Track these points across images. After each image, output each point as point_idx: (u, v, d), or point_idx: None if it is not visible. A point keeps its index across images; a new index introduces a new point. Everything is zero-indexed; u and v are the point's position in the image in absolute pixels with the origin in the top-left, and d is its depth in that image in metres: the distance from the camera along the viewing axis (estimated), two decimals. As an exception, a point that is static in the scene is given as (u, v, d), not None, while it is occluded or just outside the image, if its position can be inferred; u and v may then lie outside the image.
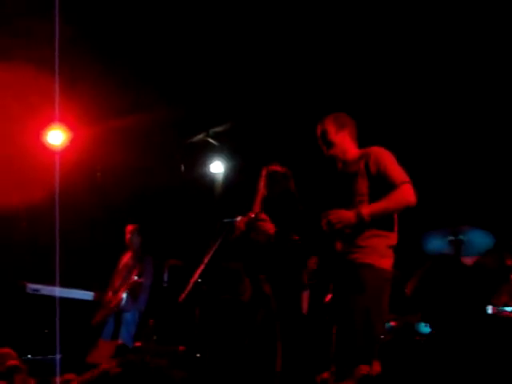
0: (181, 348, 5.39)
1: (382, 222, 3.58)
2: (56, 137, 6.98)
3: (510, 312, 4.87)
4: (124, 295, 6.26)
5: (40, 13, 5.46)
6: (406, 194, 3.54)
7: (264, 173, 4.45)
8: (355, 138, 3.89)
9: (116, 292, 6.38)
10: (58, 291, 6.27)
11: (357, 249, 3.61)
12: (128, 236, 6.66)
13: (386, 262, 3.61)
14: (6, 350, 4.21)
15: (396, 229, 3.70)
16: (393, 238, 3.67)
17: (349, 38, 6.12)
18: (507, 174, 6.05)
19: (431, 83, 6.21)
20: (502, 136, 6.10)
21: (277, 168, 4.44)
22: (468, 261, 5.43)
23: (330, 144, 3.83)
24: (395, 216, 3.68)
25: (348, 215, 3.52)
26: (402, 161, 3.71)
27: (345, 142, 3.84)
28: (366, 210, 3.52)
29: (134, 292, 6.27)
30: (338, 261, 3.71)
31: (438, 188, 6.09)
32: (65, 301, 6.43)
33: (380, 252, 3.59)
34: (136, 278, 6.25)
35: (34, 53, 5.86)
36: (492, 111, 6.13)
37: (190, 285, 5.14)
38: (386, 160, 3.65)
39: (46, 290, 6.46)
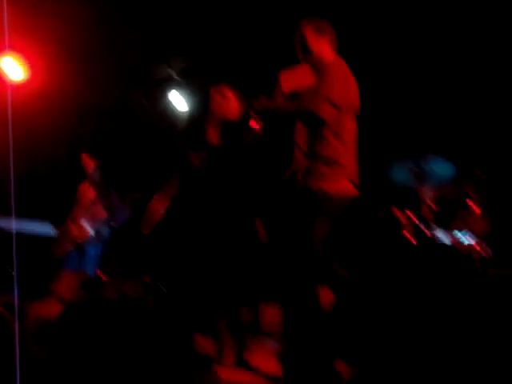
0: (146, 279, 5.36)
1: None
2: (11, 67, 6.72)
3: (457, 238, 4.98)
4: (91, 231, 6.20)
5: None
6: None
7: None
8: (335, 48, 3.65)
9: (79, 225, 6.29)
10: (15, 224, 6.14)
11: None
12: (89, 169, 6.54)
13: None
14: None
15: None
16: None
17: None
18: (472, 104, 6.08)
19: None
20: (465, 66, 6.09)
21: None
22: (430, 193, 5.48)
23: (307, 51, 3.61)
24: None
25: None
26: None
27: (323, 51, 3.61)
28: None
29: (98, 230, 6.23)
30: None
31: (403, 116, 6.09)
32: (23, 235, 6.33)
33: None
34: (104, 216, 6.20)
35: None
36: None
37: (153, 216, 5.11)
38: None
39: (2, 222, 6.33)
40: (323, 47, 3.58)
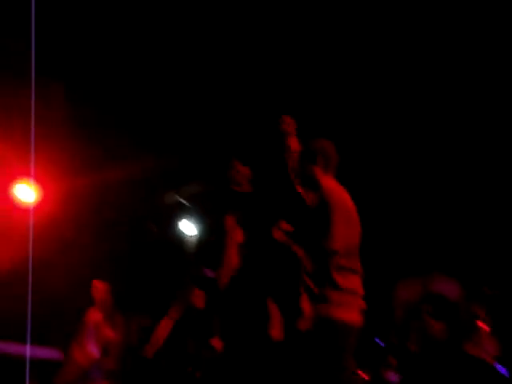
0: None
1: None
2: (26, 193, 6.94)
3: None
4: (97, 353, 6.10)
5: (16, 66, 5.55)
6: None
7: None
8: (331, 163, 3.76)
9: (83, 347, 6.21)
10: (29, 350, 6.12)
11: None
12: (98, 294, 6.56)
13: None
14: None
15: None
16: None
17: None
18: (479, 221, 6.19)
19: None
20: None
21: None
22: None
23: (314, 186, 3.76)
24: None
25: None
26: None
27: (330, 186, 3.65)
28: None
29: (106, 349, 6.13)
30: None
31: (408, 234, 6.19)
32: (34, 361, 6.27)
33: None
34: (111, 335, 6.13)
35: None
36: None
37: (157, 339, 5.08)
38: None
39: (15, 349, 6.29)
40: (330, 182, 3.76)
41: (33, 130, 5.72)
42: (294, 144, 3.95)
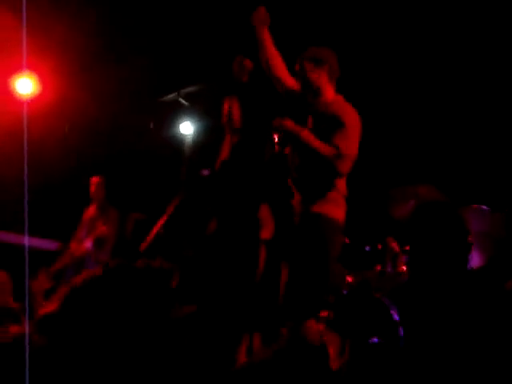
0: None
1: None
2: (25, 85, 6.93)
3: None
4: (89, 244, 6.32)
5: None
6: (342, 161, 3.60)
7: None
8: (334, 75, 3.85)
9: (80, 242, 6.44)
10: (27, 240, 6.30)
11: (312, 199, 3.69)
12: (93, 188, 6.71)
13: (339, 212, 3.71)
14: None
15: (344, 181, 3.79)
16: (342, 187, 3.77)
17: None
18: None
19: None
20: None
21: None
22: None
23: (305, 81, 3.78)
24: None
25: (292, 124, 3.59)
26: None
27: (321, 81, 3.81)
28: (307, 132, 3.57)
29: (100, 242, 6.35)
30: (296, 211, 3.78)
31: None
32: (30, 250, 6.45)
33: (333, 202, 3.68)
34: (103, 228, 6.32)
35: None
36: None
37: (152, 235, 5.23)
38: (348, 127, 3.68)
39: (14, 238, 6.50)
40: (321, 78, 3.77)
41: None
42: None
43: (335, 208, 3.69)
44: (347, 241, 4.57)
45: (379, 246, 5.12)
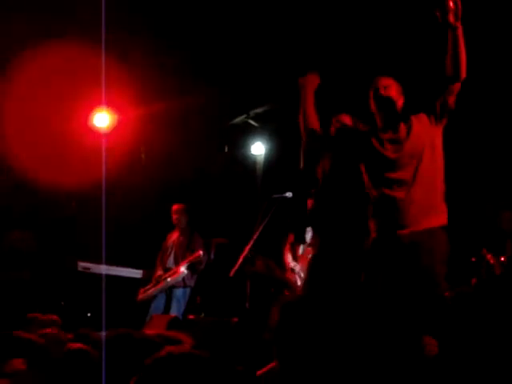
0: (234, 319, 5.47)
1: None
2: (102, 119, 7.13)
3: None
4: (183, 269, 6.41)
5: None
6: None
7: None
8: None
9: (169, 269, 6.54)
10: (105, 269, 6.46)
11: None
12: (175, 216, 6.80)
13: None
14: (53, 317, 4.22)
15: None
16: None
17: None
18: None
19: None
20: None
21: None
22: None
23: (394, 111, 3.71)
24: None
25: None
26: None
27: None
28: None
29: (194, 266, 6.46)
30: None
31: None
32: (112, 278, 6.61)
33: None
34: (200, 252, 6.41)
35: (84, 35, 5.98)
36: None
37: (240, 260, 5.26)
38: None
39: (95, 268, 6.65)
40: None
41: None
42: None
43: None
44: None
45: (473, 259, 5.02)
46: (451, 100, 3.56)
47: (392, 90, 3.72)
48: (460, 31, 3.40)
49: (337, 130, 4.08)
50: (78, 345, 2.63)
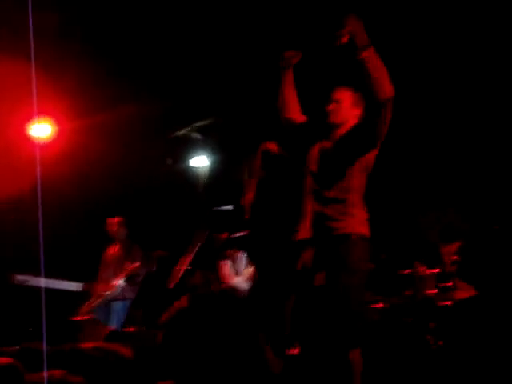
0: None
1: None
2: (40, 130, 6.99)
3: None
4: (120, 282, 6.35)
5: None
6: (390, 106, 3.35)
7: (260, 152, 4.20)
8: None
9: (108, 282, 6.45)
10: (44, 282, 6.30)
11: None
12: (113, 228, 6.73)
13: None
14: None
15: None
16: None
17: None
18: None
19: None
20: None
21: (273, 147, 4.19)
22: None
23: (340, 116, 3.65)
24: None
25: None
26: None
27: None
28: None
29: (132, 279, 6.40)
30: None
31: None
32: (51, 292, 6.46)
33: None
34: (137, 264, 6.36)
35: (19, 45, 5.84)
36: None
37: (179, 272, 5.22)
38: None
39: (33, 280, 6.49)
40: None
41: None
42: None
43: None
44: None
45: (407, 271, 5.07)
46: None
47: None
48: (368, 59, 3.25)
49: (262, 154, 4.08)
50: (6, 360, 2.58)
